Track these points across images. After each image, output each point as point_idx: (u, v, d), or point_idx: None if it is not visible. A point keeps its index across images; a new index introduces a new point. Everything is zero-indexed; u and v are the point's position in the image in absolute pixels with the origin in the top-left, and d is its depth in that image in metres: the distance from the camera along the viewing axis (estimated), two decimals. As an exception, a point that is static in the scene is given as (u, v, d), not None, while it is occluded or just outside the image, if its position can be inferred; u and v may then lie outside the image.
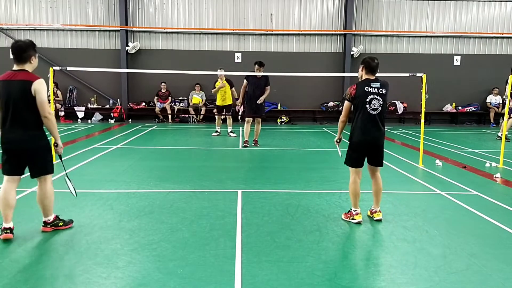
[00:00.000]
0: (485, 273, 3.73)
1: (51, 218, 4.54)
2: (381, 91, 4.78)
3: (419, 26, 17.86)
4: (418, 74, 8.62)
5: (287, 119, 17.36)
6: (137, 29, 17.51)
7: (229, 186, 6.70)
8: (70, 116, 17.04)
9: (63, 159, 4.89)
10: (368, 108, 4.77)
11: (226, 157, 9.70)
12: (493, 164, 8.64)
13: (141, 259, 3.93)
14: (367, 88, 4.77)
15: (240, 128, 12.02)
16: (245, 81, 10.93)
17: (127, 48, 17.25)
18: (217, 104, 13.31)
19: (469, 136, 14.21)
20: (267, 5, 17.55)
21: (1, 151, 4.33)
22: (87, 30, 17.51)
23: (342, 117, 5.04)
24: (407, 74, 8.99)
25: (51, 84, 8.61)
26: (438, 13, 17.79)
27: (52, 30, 17.37)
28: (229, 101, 13.17)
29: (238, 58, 17.64)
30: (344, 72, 17.32)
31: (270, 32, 17.67)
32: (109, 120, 17.05)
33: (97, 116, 17.28)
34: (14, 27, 17.24)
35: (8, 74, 4.28)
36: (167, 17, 17.55)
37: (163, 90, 17.28)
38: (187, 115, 17.14)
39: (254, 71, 10.52)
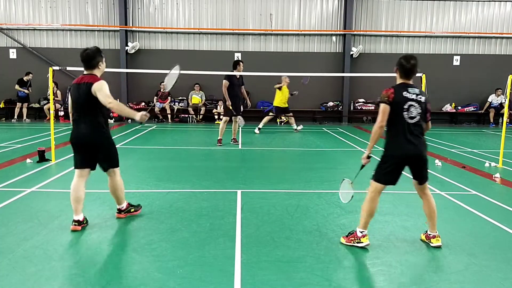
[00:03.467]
0: (484, 273, 3.73)
1: (124, 205, 4.99)
2: (419, 97, 4.18)
3: (418, 26, 17.86)
4: (417, 74, 8.60)
5: (286, 119, 17.35)
6: (137, 29, 17.51)
7: (229, 186, 6.70)
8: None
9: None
10: (405, 115, 4.11)
11: (226, 157, 9.70)
12: (493, 164, 8.64)
13: (140, 259, 3.92)
14: (405, 93, 4.15)
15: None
16: (225, 81, 10.66)
17: (126, 48, 17.25)
18: (277, 105, 14.22)
19: (468, 136, 14.22)
20: (267, 5, 17.55)
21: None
22: (86, 30, 17.50)
23: (381, 122, 4.13)
24: (407, 74, 8.97)
25: (51, 84, 8.62)
26: (438, 13, 17.79)
27: (51, 30, 17.34)
28: (286, 104, 14.25)
29: (237, 58, 17.61)
30: (343, 72, 17.34)
31: (270, 32, 17.67)
32: (109, 120, 17.01)
33: (97, 116, 17.26)
34: (14, 27, 17.21)
35: (78, 78, 4.69)
36: (167, 17, 17.55)
37: (162, 90, 17.27)
38: (186, 115, 17.14)
39: (236, 71, 10.64)
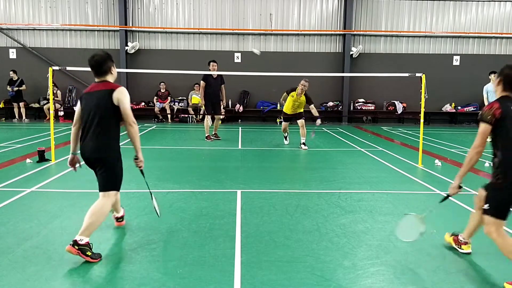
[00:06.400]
0: (485, 273, 3.73)
1: (84, 240, 3.83)
2: None
3: (418, 26, 17.87)
4: (417, 74, 8.62)
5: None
6: (137, 29, 17.51)
7: (229, 186, 6.70)
8: (70, 116, 17.01)
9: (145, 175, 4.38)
10: None
11: (226, 157, 9.69)
12: (493, 164, 8.64)
13: (140, 259, 3.92)
14: None
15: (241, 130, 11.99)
16: (202, 82, 11.45)
17: (126, 48, 17.25)
18: (285, 111, 11.36)
19: (468, 136, 14.21)
20: (267, 5, 17.55)
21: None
22: (86, 30, 17.51)
23: (478, 147, 3.60)
24: (407, 74, 8.99)
25: (51, 84, 8.62)
26: (438, 13, 17.80)
27: (51, 30, 17.35)
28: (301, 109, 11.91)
29: (237, 58, 17.64)
30: (343, 72, 17.36)
31: (270, 32, 17.67)
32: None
33: (97, 116, 17.28)
34: (14, 27, 17.22)
35: (90, 87, 4.21)
36: (167, 17, 17.55)
37: (162, 90, 17.28)
38: (186, 115, 17.14)
39: (210, 70, 11.24)
